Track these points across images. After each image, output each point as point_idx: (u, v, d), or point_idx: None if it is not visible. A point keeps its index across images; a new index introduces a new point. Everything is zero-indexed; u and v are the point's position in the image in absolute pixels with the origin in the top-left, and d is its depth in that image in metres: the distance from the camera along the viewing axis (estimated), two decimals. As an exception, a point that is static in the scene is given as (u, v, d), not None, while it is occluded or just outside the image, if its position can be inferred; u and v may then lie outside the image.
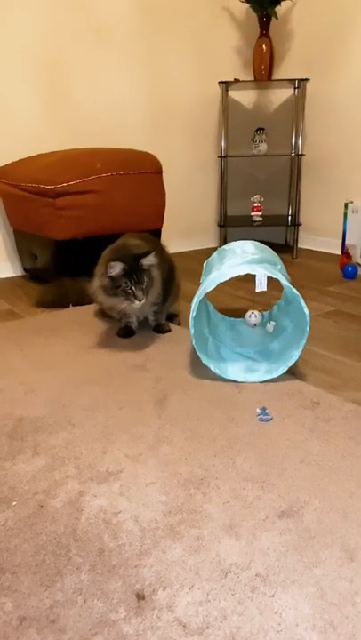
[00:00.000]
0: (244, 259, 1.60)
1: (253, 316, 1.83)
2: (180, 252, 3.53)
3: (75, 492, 1.12)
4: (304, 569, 0.90)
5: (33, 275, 2.93)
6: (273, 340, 1.77)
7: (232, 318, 2.01)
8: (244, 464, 1.20)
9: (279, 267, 1.67)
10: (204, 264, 1.82)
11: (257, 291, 1.53)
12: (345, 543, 0.95)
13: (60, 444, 1.30)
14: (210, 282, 1.53)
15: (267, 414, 1.39)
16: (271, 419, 1.38)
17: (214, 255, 1.78)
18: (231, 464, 1.20)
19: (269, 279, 1.56)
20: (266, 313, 1.94)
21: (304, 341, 1.53)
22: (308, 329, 1.51)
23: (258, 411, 1.41)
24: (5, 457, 1.25)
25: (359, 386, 1.58)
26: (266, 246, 1.78)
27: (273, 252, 1.80)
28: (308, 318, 1.50)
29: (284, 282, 1.51)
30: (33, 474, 1.18)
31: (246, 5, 3.25)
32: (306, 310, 1.49)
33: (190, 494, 1.10)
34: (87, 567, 0.91)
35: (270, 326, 1.76)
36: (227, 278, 1.52)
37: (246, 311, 1.95)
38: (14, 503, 1.08)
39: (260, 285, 1.53)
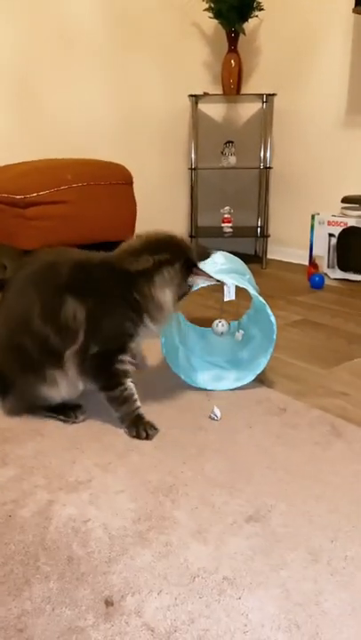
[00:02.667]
0: (213, 269, 1.63)
1: (221, 325, 1.85)
2: (152, 263, 3.54)
3: (44, 501, 1.12)
4: (270, 571, 0.92)
5: (2, 286, 2.91)
6: (242, 348, 1.80)
7: (202, 328, 2.04)
8: (212, 471, 1.21)
9: (248, 277, 1.70)
10: None
11: (225, 300, 1.56)
12: (310, 545, 0.98)
13: (29, 454, 1.29)
14: None
15: (216, 415, 1.44)
16: (217, 419, 1.43)
17: None
18: (200, 471, 1.21)
19: (239, 289, 1.59)
20: (234, 322, 1.97)
21: (271, 349, 1.56)
22: (274, 337, 1.54)
23: (214, 410, 1.45)
24: (-27, 468, 1.24)
25: (325, 392, 1.62)
26: (235, 257, 1.82)
27: (242, 262, 1.83)
28: (274, 326, 1.53)
29: (252, 291, 1.54)
30: (1, 484, 1.17)
31: (215, 21, 3.32)
32: (272, 318, 1.53)
33: (159, 501, 1.11)
34: (56, 576, 0.92)
35: (239, 335, 1.80)
36: (196, 288, 1.54)
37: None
38: (-18, 514, 1.08)
39: (229, 295, 1.56)
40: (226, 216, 3.55)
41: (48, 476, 1.20)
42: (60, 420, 1.42)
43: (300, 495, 1.12)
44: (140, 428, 1.35)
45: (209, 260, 1.71)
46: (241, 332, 1.79)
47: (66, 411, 1.42)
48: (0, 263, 2.78)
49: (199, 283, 1.45)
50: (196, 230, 3.52)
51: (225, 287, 1.57)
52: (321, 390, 1.63)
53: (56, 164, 2.64)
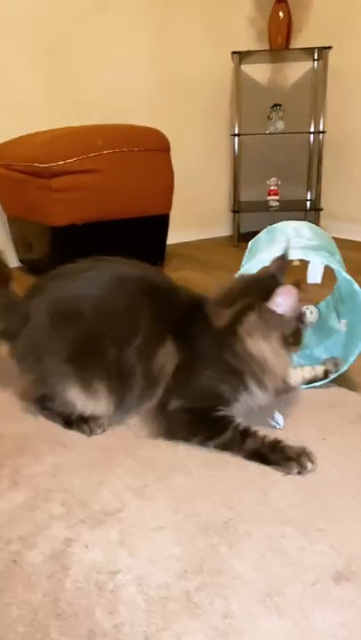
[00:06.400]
0: (298, 243, 1.32)
1: (309, 313, 1.51)
2: (190, 242, 3.25)
3: (60, 539, 0.85)
4: (381, 670, 0.63)
5: (29, 266, 2.67)
6: (319, 343, 1.49)
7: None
8: (280, 500, 0.92)
9: (338, 257, 1.38)
10: (250, 243, 1.54)
11: (309, 282, 1.25)
12: None
13: (46, 471, 1.03)
14: (256, 264, 1.26)
15: (278, 423, 1.15)
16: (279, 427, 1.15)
17: (262, 235, 1.51)
18: (264, 500, 0.93)
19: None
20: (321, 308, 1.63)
21: (358, 349, 1.24)
22: None
23: (275, 417, 1.16)
24: (-24, 489, 0.98)
25: None
26: (324, 232, 1.50)
27: (330, 238, 1.51)
28: None
29: (345, 275, 1.21)
30: (8, 513, 0.92)
31: (261, -32, 2.96)
32: None
33: (212, 545, 0.83)
34: (71, 664, 0.65)
35: (342, 324, 1.44)
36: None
37: None
38: (-20, 557, 0.82)
39: (314, 276, 1.24)
40: (272, 188, 3.21)
41: (67, 502, 0.94)
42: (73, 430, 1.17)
43: None
44: (288, 458, 1.00)
45: (293, 232, 1.40)
46: (343, 321, 1.45)
47: (80, 424, 1.16)
48: (25, 241, 2.54)
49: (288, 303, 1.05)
50: (238, 204, 3.19)
51: (310, 266, 1.25)
52: None
53: (85, 129, 2.36)
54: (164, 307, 1.11)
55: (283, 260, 1.10)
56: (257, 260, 1.26)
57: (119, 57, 2.87)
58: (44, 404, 1.19)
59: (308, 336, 1.55)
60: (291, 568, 0.78)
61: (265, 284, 1.05)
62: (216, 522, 0.88)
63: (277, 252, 1.17)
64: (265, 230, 1.50)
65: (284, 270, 1.10)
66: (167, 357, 1.08)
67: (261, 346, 1.04)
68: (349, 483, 0.97)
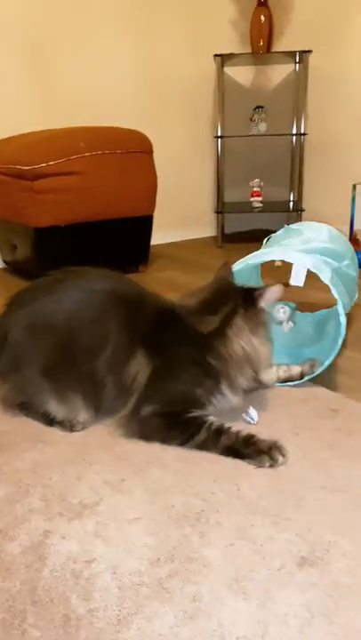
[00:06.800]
0: (304, 245, 1.37)
1: (282, 312, 1.54)
2: (174, 242, 3.29)
3: (39, 531, 0.89)
4: (337, 646, 0.67)
5: (14, 267, 2.69)
6: (311, 344, 1.52)
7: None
8: (251, 492, 0.96)
9: (346, 262, 1.41)
10: (265, 240, 1.59)
11: (290, 283, 1.28)
12: (388, 605, 0.72)
13: (26, 467, 1.07)
14: (246, 260, 1.31)
15: (252, 418, 1.19)
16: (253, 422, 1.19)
17: (279, 232, 1.56)
18: (235, 492, 0.97)
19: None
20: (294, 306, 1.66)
21: (335, 353, 1.28)
22: (340, 340, 1.25)
23: (250, 412, 1.20)
24: None
25: (383, 388, 1.35)
26: (342, 236, 1.54)
27: (349, 245, 1.55)
28: (343, 329, 1.24)
29: (326, 280, 1.25)
30: (-11, 508, 0.95)
31: (242, -28, 3.00)
32: (342, 319, 1.24)
33: (185, 534, 0.87)
34: (46, 646, 0.68)
35: (287, 326, 1.49)
36: (267, 259, 1.28)
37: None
38: None
39: (296, 277, 1.28)
40: (255, 189, 3.26)
41: (47, 496, 0.97)
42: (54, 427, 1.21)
43: (367, 527, 0.87)
44: (260, 452, 1.03)
45: (309, 233, 1.45)
46: (290, 324, 1.49)
47: (61, 421, 1.19)
48: (10, 243, 2.56)
49: (272, 301, 1.16)
50: (222, 205, 3.24)
51: (293, 268, 1.29)
52: (377, 385, 1.37)
53: (67, 131, 2.38)
54: (133, 318, 1.15)
55: (226, 265, 1.23)
56: (255, 255, 1.33)
57: (103, 59, 2.90)
58: (24, 405, 1.23)
59: (306, 337, 1.59)
60: (258, 555, 0.82)
61: (238, 289, 1.16)
62: (189, 513, 0.92)
63: (278, 252, 1.23)
64: (283, 229, 1.55)
65: (231, 273, 1.22)
66: (139, 367, 1.12)
67: (252, 341, 1.12)
68: (318, 474, 1.01)
